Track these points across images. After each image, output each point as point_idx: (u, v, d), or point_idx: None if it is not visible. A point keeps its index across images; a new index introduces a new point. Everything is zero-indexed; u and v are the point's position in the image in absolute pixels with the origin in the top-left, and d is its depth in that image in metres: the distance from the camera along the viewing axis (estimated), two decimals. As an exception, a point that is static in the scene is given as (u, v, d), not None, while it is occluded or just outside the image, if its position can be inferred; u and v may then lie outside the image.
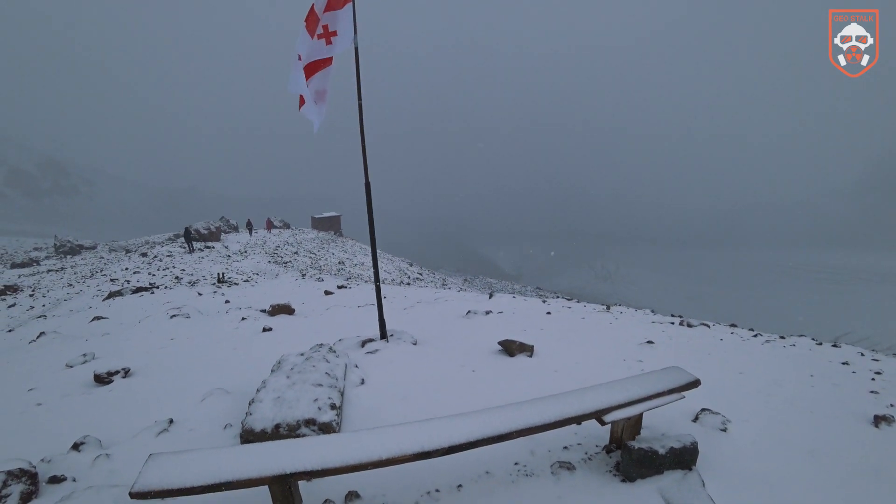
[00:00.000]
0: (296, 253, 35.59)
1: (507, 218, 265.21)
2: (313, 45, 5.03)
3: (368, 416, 3.67)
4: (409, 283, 33.38)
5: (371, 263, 39.73)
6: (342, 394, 3.78)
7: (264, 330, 7.45)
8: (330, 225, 58.95)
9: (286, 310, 8.84)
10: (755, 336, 8.25)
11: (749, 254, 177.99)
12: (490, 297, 12.30)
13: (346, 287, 16.88)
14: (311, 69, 5.08)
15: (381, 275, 35.60)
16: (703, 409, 3.67)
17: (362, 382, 4.28)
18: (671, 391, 2.96)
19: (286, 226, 53.38)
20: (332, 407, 3.34)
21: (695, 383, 3.07)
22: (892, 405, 4.39)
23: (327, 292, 14.42)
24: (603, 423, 2.79)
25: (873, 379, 5.41)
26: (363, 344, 5.47)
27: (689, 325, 8.05)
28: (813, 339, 10.50)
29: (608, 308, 11.19)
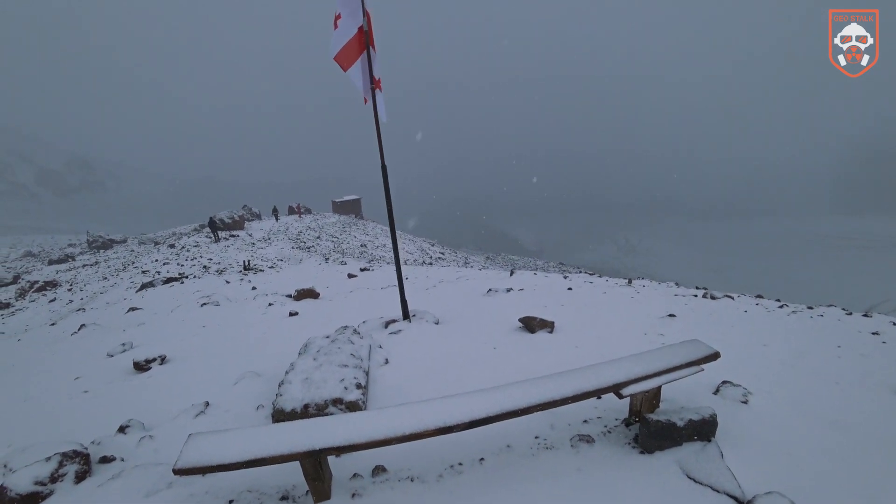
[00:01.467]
0: (318, 238, 36.08)
1: (527, 191, 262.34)
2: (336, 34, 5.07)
3: (393, 394, 3.80)
4: (431, 263, 33.58)
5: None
6: (367, 374, 3.91)
7: (291, 314, 7.67)
8: (351, 208, 59.24)
9: (311, 294, 9.06)
10: (781, 307, 8.13)
11: (774, 223, 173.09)
12: (511, 275, 12.37)
13: (368, 269, 17.15)
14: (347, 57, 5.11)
15: (403, 256, 35.88)
16: (724, 382, 3.66)
17: (386, 362, 4.42)
18: (689, 364, 2.98)
19: (307, 211, 53.99)
20: (358, 386, 3.48)
21: (713, 356, 3.08)
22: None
23: (350, 275, 14.67)
24: (621, 396, 2.84)
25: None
26: (386, 325, 5.61)
27: (713, 298, 7.97)
28: (843, 310, 10.28)
29: (630, 282, 11.14)
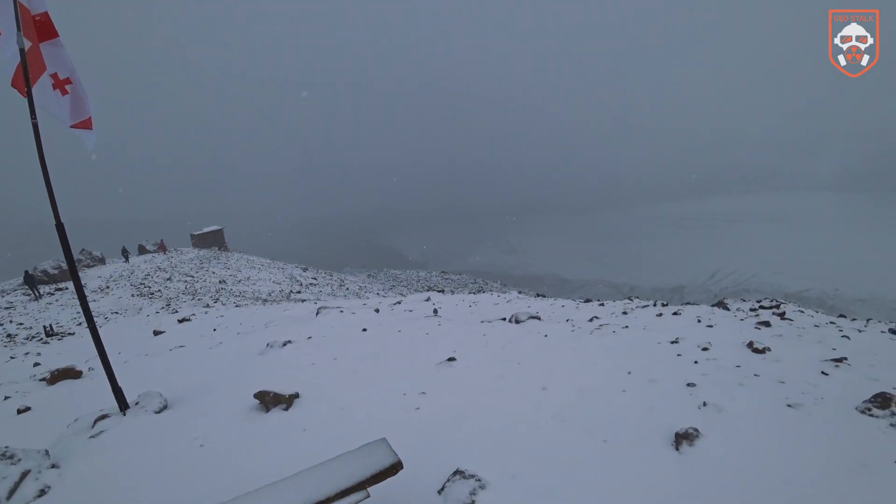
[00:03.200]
0: (169, 279, 32.18)
1: (408, 204, 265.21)
2: None
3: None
4: (298, 292, 31.59)
5: (259, 276, 37.16)
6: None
7: (19, 412, 5.96)
8: (213, 240, 54.67)
9: (70, 374, 7.30)
10: (591, 320, 8.31)
11: (637, 211, 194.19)
12: (317, 314, 11.09)
13: (189, 319, 14.90)
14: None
15: (270, 286, 33.38)
16: (455, 472, 2.89)
17: (41, 494, 3.21)
18: (344, 492, 2.19)
19: (162, 248, 48.45)
20: None
21: (392, 469, 2.31)
22: (704, 404, 3.77)
23: (157, 332, 12.60)
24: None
25: (696, 362, 5.06)
26: (94, 423, 4.32)
27: (517, 321, 7.54)
28: (663, 304, 11.04)
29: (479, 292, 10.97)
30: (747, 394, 3.96)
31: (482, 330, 7.09)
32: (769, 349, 5.40)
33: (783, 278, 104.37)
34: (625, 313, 9.56)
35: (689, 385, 4.23)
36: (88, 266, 37.63)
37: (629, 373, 4.72)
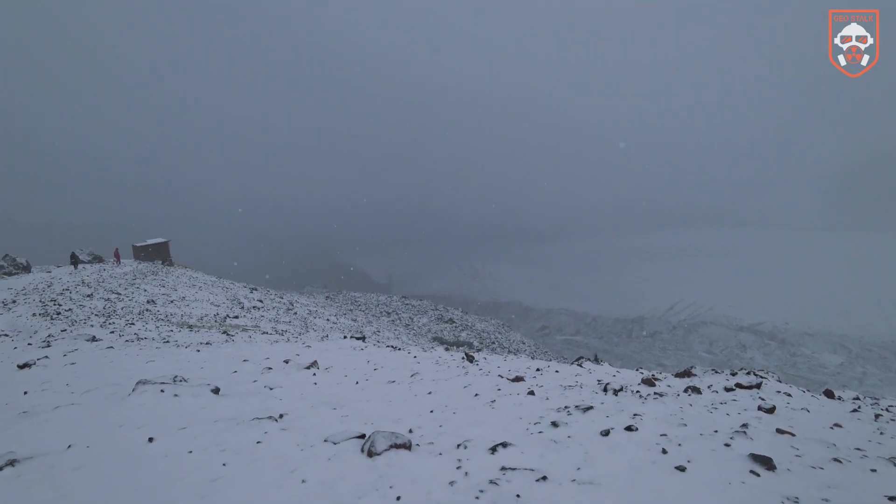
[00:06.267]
0: (89, 296, 28.41)
1: (375, 227, 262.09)
2: None
3: None
4: (236, 316, 28.50)
5: (197, 297, 33.71)
6: None
7: None
8: (156, 253, 50.72)
9: None
10: (493, 451, 5.94)
11: (597, 241, 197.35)
12: (133, 391, 8.34)
13: (29, 366, 11.83)
14: None
15: (206, 308, 30.12)
16: None
17: None
18: None
19: (97, 258, 44.20)
20: None
21: None
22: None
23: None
24: None
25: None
26: None
27: (370, 454, 5.04)
28: (615, 392, 8.64)
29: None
30: None
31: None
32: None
33: (738, 311, 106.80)
34: (554, 425, 5.89)
35: None
36: (9, 274, 33.94)
37: None
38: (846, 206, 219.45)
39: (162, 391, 6.93)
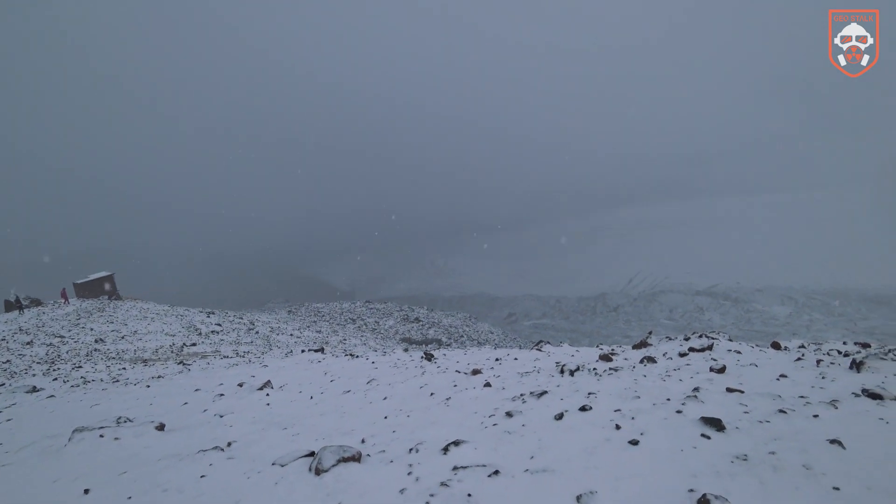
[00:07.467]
0: (29, 343, 26.69)
1: (334, 236, 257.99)
2: None
3: None
4: (194, 344, 27.45)
5: (150, 329, 32.24)
6: None
7: None
8: (100, 289, 48.25)
9: None
10: (445, 452, 5.84)
11: (555, 226, 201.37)
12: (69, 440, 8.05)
13: None
14: None
15: (161, 340, 28.86)
16: None
17: None
18: None
19: (35, 302, 41.57)
20: None
21: None
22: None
23: None
24: None
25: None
26: None
27: (318, 471, 5.01)
28: (571, 372, 8.93)
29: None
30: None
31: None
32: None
33: (693, 277, 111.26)
34: (509, 415, 5.84)
35: None
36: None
37: None
38: (784, 172, 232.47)
39: (101, 436, 6.56)
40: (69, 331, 30.19)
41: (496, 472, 4.16)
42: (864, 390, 5.64)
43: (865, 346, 10.15)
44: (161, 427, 6.78)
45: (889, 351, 8.87)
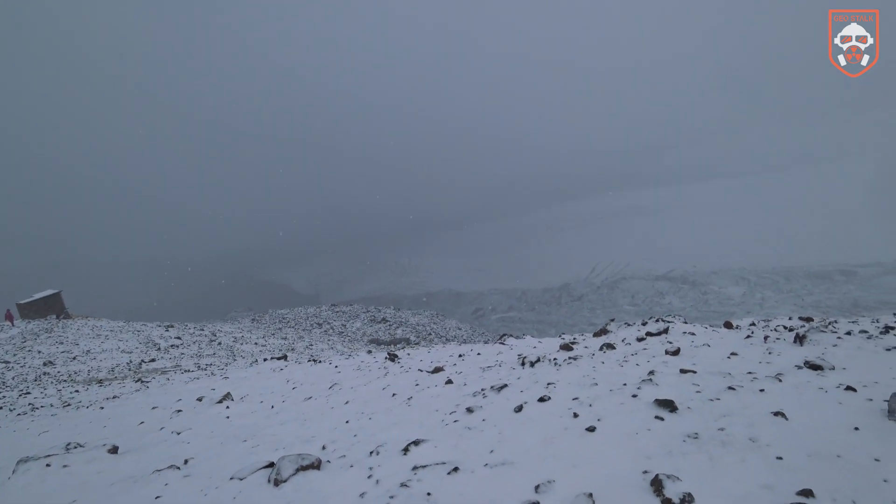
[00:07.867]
0: (-30, 370, 25.02)
1: (295, 240, 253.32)
2: None
3: None
4: (153, 360, 26.42)
5: (104, 347, 30.80)
6: None
7: None
8: (47, 308, 45.71)
9: None
10: (405, 452, 6.01)
11: (517, 219, 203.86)
12: None
13: None
14: None
15: (117, 358, 27.62)
16: None
17: None
18: None
19: (9, 319, 39.03)
20: None
21: None
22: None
23: None
24: None
25: None
26: None
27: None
28: (532, 363, 9.27)
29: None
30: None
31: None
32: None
33: (652, 263, 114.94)
34: (469, 410, 5.78)
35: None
36: None
37: None
38: (731, 158, 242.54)
39: (48, 465, 6.22)
40: (14, 355, 28.47)
41: (456, 469, 4.17)
42: (805, 362, 5.98)
43: (808, 319, 10.75)
44: (114, 450, 6.48)
45: (829, 323, 9.43)
